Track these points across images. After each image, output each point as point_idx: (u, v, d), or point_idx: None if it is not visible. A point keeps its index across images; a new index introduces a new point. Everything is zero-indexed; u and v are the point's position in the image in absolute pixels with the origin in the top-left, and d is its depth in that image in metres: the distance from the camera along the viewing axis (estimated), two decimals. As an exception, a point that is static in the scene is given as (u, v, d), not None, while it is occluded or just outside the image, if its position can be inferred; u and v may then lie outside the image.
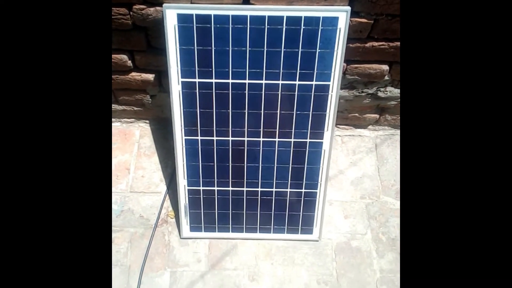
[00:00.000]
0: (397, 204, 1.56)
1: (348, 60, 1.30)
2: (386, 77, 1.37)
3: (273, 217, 1.40)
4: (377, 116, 1.60)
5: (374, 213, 1.54)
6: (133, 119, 1.64)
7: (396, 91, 1.45)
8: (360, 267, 1.43)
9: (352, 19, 1.13)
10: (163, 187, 1.54)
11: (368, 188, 1.59)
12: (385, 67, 1.32)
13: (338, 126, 1.68)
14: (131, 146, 1.62)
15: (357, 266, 1.44)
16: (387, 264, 1.45)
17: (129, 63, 1.31)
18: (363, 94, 1.46)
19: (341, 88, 1.43)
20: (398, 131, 1.69)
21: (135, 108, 1.56)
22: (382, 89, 1.44)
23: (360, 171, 1.62)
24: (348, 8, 1.08)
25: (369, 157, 1.66)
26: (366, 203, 1.56)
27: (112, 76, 1.36)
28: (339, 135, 1.69)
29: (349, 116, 1.61)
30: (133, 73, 1.37)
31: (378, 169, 1.63)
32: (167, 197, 1.52)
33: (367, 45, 1.23)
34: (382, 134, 1.70)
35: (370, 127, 1.69)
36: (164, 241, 1.44)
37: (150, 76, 1.37)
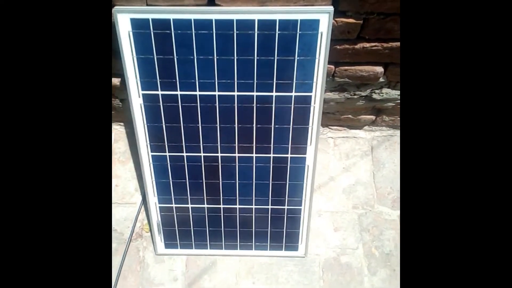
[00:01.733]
0: (393, 214, 1.43)
1: (336, 62, 1.13)
2: (382, 79, 1.20)
3: (254, 234, 1.28)
4: (373, 117, 1.44)
5: (367, 225, 1.41)
6: (106, 122, 1.50)
7: (394, 93, 1.28)
8: (350, 286, 1.33)
9: (337, 19, 0.96)
10: (138, 197, 1.43)
11: (361, 196, 1.45)
12: (379, 69, 1.15)
13: (330, 127, 1.53)
14: (104, 152, 1.49)
15: (346, 284, 1.33)
16: (379, 282, 1.34)
17: (89, 68, 1.17)
18: (355, 96, 1.30)
19: (331, 91, 1.27)
20: (397, 132, 1.54)
21: (106, 112, 1.42)
22: (377, 91, 1.27)
23: (354, 178, 1.48)
24: (331, 8, 0.90)
25: (364, 162, 1.51)
26: (358, 213, 1.43)
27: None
28: (331, 137, 1.54)
29: (342, 118, 1.45)
30: (96, 78, 1.22)
31: (373, 175, 1.49)
32: (142, 208, 1.41)
33: (357, 46, 1.06)
34: (379, 135, 1.54)
35: (366, 127, 1.53)
36: (138, 257, 1.35)
37: (116, 81, 1.23)
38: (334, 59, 1.11)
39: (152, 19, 0.92)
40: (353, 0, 0.91)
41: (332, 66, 1.15)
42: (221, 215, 1.24)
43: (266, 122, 1.07)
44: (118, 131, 1.53)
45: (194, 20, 0.92)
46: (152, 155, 1.14)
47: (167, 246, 1.31)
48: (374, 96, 1.29)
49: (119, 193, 1.44)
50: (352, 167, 1.50)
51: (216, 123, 1.08)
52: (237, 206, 1.23)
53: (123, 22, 0.93)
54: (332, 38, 1.00)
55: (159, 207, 1.24)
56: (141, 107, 1.05)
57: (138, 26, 0.93)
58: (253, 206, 1.23)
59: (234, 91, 1.02)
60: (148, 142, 1.11)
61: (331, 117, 1.45)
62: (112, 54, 1.13)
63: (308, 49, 0.95)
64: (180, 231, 1.28)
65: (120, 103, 1.36)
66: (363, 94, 1.28)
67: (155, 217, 1.26)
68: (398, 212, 1.43)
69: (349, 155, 1.52)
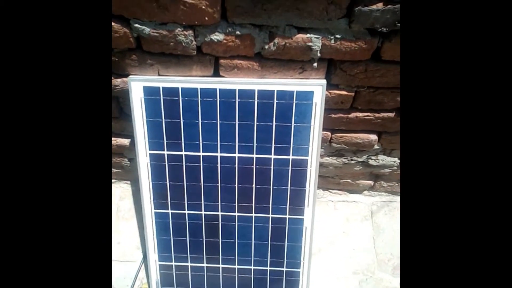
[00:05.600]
0: (394, 281, 1.41)
1: (332, 129, 1.21)
2: (376, 146, 1.27)
3: (252, 297, 1.28)
4: (371, 182, 1.49)
5: (368, 292, 1.39)
6: (114, 179, 1.57)
7: (389, 160, 1.34)
8: None
9: (331, 91, 1.05)
10: (139, 255, 1.45)
11: (362, 262, 1.45)
12: (374, 137, 1.22)
13: (330, 190, 1.57)
14: (110, 209, 1.54)
15: None
16: None
17: (103, 129, 1.26)
18: (352, 161, 1.36)
19: (329, 156, 1.34)
20: (396, 198, 1.57)
21: (115, 170, 1.50)
22: (373, 158, 1.33)
23: (354, 243, 1.49)
24: (324, 82, 1.00)
25: (364, 226, 1.52)
26: (359, 279, 1.41)
27: (87, 141, 1.31)
28: (332, 201, 1.58)
29: (342, 182, 1.50)
30: (109, 138, 1.31)
31: (373, 241, 1.49)
32: (142, 267, 1.42)
33: (351, 115, 1.14)
34: (378, 200, 1.57)
35: (365, 192, 1.57)
36: (134, 317, 1.33)
37: (126, 141, 1.31)
38: (330, 126, 1.18)
39: (163, 87, 1.03)
40: (344, 75, 1.00)
41: (329, 133, 1.22)
42: (220, 275, 1.25)
43: (265, 183, 1.13)
44: (124, 189, 1.59)
45: (200, 89, 1.02)
46: (155, 212, 1.18)
47: (164, 306, 1.30)
48: (371, 162, 1.35)
49: (121, 250, 1.46)
50: (352, 232, 1.51)
51: (218, 183, 1.13)
52: (236, 267, 1.24)
53: (136, 89, 1.03)
54: (328, 107, 1.09)
55: (159, 265, 1.25)
56: (147, 165, 1.12)
57: (150, 93, 1.04)
58: (252, 267, 1.24)
59: (235, 153, 1.09)
60: (152, 199, 1.16)
61: (331, 181, 1.50)
62: (123, 117, 1.23)
63: (304, 116, 1.04)
64: (178, 291, 1.28)
65: (128, 162, 1.44)
66: (360, 160, 1.34)
67: (155, 275, 1.27)
68: (399, 279, 1.41)
69: (349, 219, 1.54)
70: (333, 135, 1.23)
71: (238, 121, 1.05)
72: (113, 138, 1.32)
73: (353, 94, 1.06)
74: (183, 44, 0.93)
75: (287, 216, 1.17)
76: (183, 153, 1.10)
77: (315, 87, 1.00)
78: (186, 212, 1.18)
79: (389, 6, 0.83)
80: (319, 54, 0.95)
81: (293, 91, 1.01)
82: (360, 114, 1.14)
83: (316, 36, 0.90)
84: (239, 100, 1.03)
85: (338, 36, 0.90)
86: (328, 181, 1.50)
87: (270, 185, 1.13)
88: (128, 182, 1.59)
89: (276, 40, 0.92)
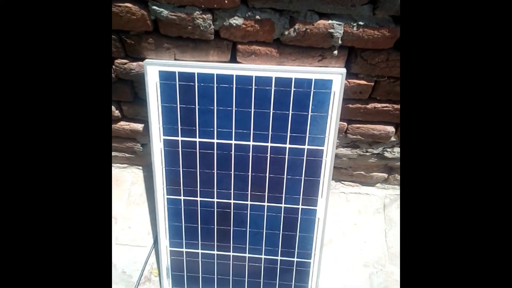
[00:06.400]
0: (404, 275, 1.40)
1: (349, 119, 1.18)
2: (393, 138, 1.24)
3: (262, 286, 1.27)
4: (385, 175, 1.46)
5: (378, 285, 1.38)
6: (126, 164, 1.57)
7: (405, 152, 1.31)
8: None
9: (350, 80, 1.03)
10: (149, 241, 1.45)
11: (372, 255, 1.43)
12: (391, 129, 1.19)
13: (342, 182, 1.55)
14: (121, 193, 1.55)
15: None
16: None
17: (117, 113, 1.26)
18: (367, 153, 1.33)
19: (343, 147, 1.32)
20: (410, 191, 1.54)
21: (127, 155, 1.49)
22: (389, 150, 1.31)
23: (365, 235, 1.47)
24: (343, 70, 0.97)
25: (376, 219, 1.51)
26: (369, 272, 1.40)
27: (100, 125, 1.30)
28: (344, 192, 1.56)
29: (355, 174, 1.48)
30: (122, 122, 1.31)
31: (385, 234, 1.48)
32: (153, 252, 1.43)
33: (369, 106, 1.11)
34: (392, 193, 1.55)
35: (378, 185, 1.55)
36: (144, 302, 1.34)
37: (139, 126, 1.31)
38: (347, 116, 1.16)
39: (178, 72, 1.01)
40: (364, 64, 0.98)
41: (345, 123, 1.20)
42: (230, 263, 1.25)
43: (279, 172, 1.11)
44: (136, 174, 1.59)
45: (217, 74, 1.00)
46: (167, 198, 1.18)
47: (174, 292, 1.31)
48: (386, 154, 1.33)
49: (132, 235, 1.47)
50: (364, 224, 1.50)
51: (231, 171, 1.12)
52: (247, 255, 1.23)
53: (152, 73, 1.02)
54: (345, 97, 1.07)
55: (170, 250, 1.25)
56: (161, 151, 1.11)
57: (165, 77, 1.02)
58: (263, 256, 1.23)
59: (249, 141, 1.08)
60: (164, 185, 1.16)
61: (344, 172, 1.48)
62: (137, 102, 1.22)
63: (321, 106, 1.01)
64: (189, 277, 1.28)
65: (141, 147, 1.43)
66: (375, 151, 1.32)
67: (165, 261, 1.27)
68: (410, 273, 1.39)
69: (361, 211, 1.52)
70: (349, 126, 1.21)
71: (254, 108, 1.03)
72: (126, 123, 1.31)
73: (372, 84, 1.04)
74: (201, 28, 0.91)
75: (300, 207, 1.16)
76: (197, 139, 1.09)
77: (334, 75, 0.98)
78: (199, 199, 1.17)
79: (416, -8, 0.80)
80: (340, 42, 0.92)
81: (312, 79, 0.98)
82: (378, 105, 1.11)
83: (338, 22, 0.88)
84: (256, 87, 1.01)
85: (361, 23, 0.88)
86: (341, 172, 1.48)
87: (284, 175, 1.12)
88: (140, 167, 1.59)
89: (296, 26, 0.89)
